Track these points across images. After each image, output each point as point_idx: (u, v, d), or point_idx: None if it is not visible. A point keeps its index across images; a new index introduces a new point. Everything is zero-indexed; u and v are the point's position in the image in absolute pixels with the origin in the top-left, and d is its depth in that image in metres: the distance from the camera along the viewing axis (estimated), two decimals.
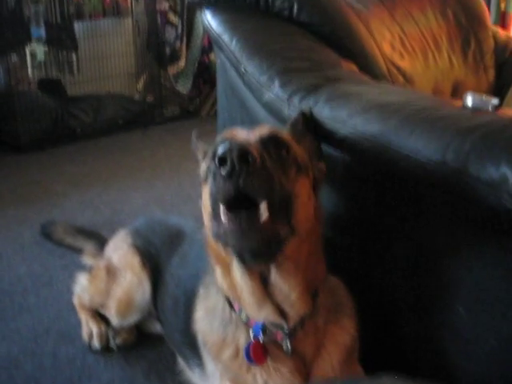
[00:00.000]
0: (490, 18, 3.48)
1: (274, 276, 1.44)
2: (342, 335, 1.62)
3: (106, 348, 2.35)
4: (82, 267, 2.78)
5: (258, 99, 1.96)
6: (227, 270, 1.49)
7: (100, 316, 2.43)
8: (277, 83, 1.88)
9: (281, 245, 1.35)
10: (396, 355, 1.78)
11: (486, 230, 1.48)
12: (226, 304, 1.59)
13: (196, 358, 1.90)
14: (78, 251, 2.96)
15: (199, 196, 1.61)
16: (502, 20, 5.05)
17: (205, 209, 1.45)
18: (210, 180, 1.36)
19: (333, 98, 1.72)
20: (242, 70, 2.01)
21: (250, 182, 1.25)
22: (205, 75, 6.11)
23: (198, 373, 1.94)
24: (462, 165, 1.39)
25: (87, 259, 2.82)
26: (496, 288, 1.49)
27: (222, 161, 1.24)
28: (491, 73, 3.15)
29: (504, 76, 3.21)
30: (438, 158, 1.43)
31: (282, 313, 1.49)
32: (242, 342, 1.56)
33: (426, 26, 2.82)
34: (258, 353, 1.53)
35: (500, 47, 3.29)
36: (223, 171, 1.24)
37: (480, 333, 1.55)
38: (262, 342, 1.52)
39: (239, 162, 1.23)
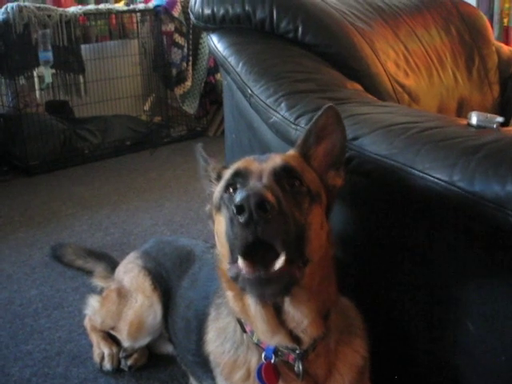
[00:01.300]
0: (493, 33, 3.50)
1: (288, 305, 1.45)
2: (354, 356, 1.62)
3: (117, 369, 2.36)
4: (93, 289, 2.80)
5: (265, 121, 1.98)
6: (239, 296, 1.49)
7: (111, 337, 2.44)
8: (283, 105, 1.90)
9: (296, 283, 1.36)
10: (407, 373, 1.78)
11: (493, 248, 1.48)
12: (238, 326, 1.60)
13: (209, 379, 1.90)
14: (89, 273, 2.98)
15: (207, 216, 1.64)
16: (505, 35, 5.07)
17: (218, 237, 1.47)
18: (224, 210, 1.42)
19: None
20: (249, 92, 2.03)
21: (267, 230, 1.26)
22: (211, 95, 6.16)
23: None
24: (469, 184, 1.40)
25: (97, 281, 2.84)
26: (505, 305, 1.49)
27: (240, 209, 1.24)
28: (496, 88, 3.17)
29: (509, 91, 3.23)
30: (445, 178, 1.44)
31: (294, 337, 1.49)
32: (254, 363, 1.57)
33: (429, 43, 2.84)
34: (270, 374, 1.53)
35: (504, 62, 3.31)
36: (241, 219, 1.25)
37: (490, 350, 1.55)
38: (273, 363, 1.53)
39: (257, 210, 1.24)
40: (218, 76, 6.03)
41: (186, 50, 5.77)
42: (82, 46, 5.41)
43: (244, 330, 1.58)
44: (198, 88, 5.98)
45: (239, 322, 1.58)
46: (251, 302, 1.44)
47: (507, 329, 1.50)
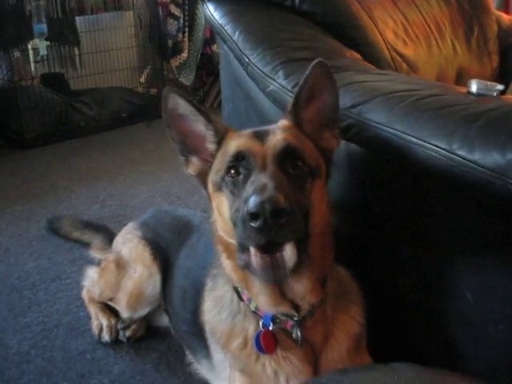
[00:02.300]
0: (493, 2, 3.46)
1: (291, 279, 1.45)
2: (351, 323, 1.63)
3: (115, 341, 2.37)
4: (90, 261, 2.80)
5: (262, 90, 1.96)
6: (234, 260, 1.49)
7: (109, 309, 2.44)
8: (281, 74, 1.88)
9: (303, 264, 1.39)
10: (404, 343, 1.79)
11: (493, 217, 1.48)
12: (234, 294, 1.60)
13: (203, 350, 1.91)
14: (86, 245, 2.98)
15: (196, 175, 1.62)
16: (505, 4, 5.01)
17: (220, 214, 1.48)
18: (226, 192, 1.44)
19: (339, 87, 1.70)
20: (246, 61, 2.01)
21: (280, 233, 1.29)
22: (208, 67, 6.10)
23: (206, 365, 1.95)
24: (468, 152, 1.39)
25: (95, 253, 2.84)
26: (503, 273, 1.50)
27: (255, 216, 1.26)
28: (495, 58, 3.14)
29: (508, 61, 3.20)
30: (444, 146, 1.43)
31: (293, 305, 1.50)
32: (251, 331, 1.57)
33: (428, 12, 2.81)
34: (268, 342, 1.53)
35: (504, 32, 3.27)
36: (255, 224, 1.27)
37: (488, 319, 1.55)
38: (271, 330, 1.53)
39: (272, 218, 1.26)
40: (215, 47, 5.97)
41: (181, 20, 5.71)
42: (77, 18, 5.36)
43: (241, 299, 1.58)
44: (194, 59, 5.92)
45: (236, 290, 1.59)
46: (255, 279, 1.45)
47: (505, 298, 1.50)
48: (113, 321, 2.40)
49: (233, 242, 1.45)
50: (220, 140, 1.57)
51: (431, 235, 1.63)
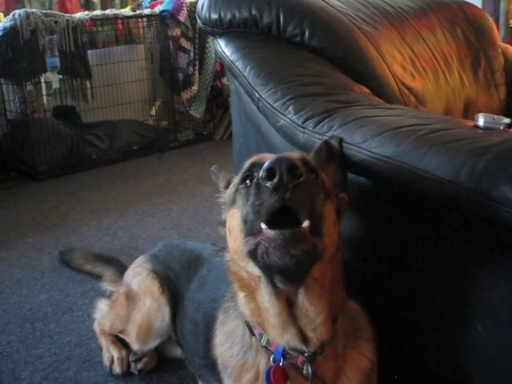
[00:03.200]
0: (499, 35, 3.50)
1: (301, 299, 1.45)
2: (361, 360, 1.62)
3: (127, 373, 2.37)
4: (102, 293, 2.81)
5: (273, 124, 1.99)
6: (252, 295, 1.50)
7: (120, 341, 2.45)
8: (291, 109, 1.91)
9: (318, 257, 1.36)
10: (416, 377, 1.79)
11: (501, 249, 1.49)
12: (246, 329, 1.60)
13: (217, 382, 1.92)
14: (97, 277, 3.00)
15: (217, 222, 1.66)
16: (511, 36, 5.06)
17: (231, 232, 1.48)
18: (240, 201, 1.42)
19: (347, 123, 1.75)
20: (257, 96, 2.04)
21: (295, 196, 1.27)
22: (218, 99, 6.17)
23: None
24: (476, 185, 1.41)
25: (106, 285, 2.84)
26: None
27: (271, 172, 1.26)
28: (502, 90, 3.17)
29: None
30: (452, 179, 1.44)
31: (303, 338, 1.49)
32: (263, 366, 1.57)
33: (435, 45, 2.84)
34: (279, 377, 1.53)
35: (510, 64, 3.31)
36: (270, 184, 1.26)
37: (498, 349, 1.55)
38: (282, 366, 1.53)
39: (288, 174, 1.25)
40: (225, 80, 6.04)
41: (192, 54, 5.78)
42: (89, 52, 5.44)
43: (252, 334, 1.58)
44: (204, 92, 5.99)
45: (248, 325, 1.59)
46: (265, 294, 1.44)
47: None
48: (124, 353, 2.40)
49: (242, 264, 1.45)
50: (228, 181, 1.67)
51: (442, 268, 1.63)
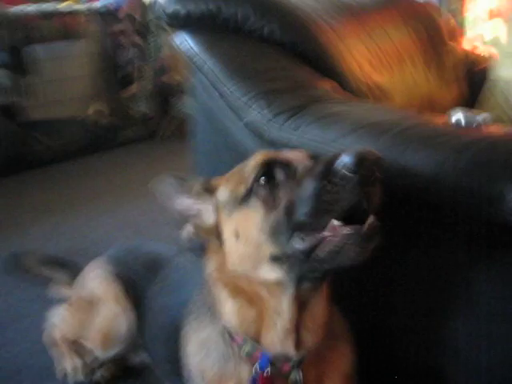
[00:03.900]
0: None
1: (314, 300, 1.44)
2: (342, 362, 1.59)
3: (90, 381, 2.29)
4: (53, 298, 2.71)
5: (239, 120, 1.93)
6: (253, 304, 1.44)
7: (82, 347, 2.35)
8: (260, 103, 1.86)
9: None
10: (393, 376, 1.76)
11: (483, 246, 1.48)
12: (224, 336, 1.54)
13: None
14: (51, 281, 2.88)
15: (192, 234, 1.55)
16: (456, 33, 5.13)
17: (243, 236, 1.39)
18: (259, 201, 1.35)
19: (320, 119, 1.71)
20: (222, 90, 1.98)
21: (374, 191, 1.24)
22: (160, 97, 6.08)
23: None
24: (458, 182, 1.39)
25: (62, 289, 2.74)
26: (494, 302, 1.50)
27: (359, 163, 1.19)
28: (454, 87, 3.19)
29: (472, 89, 3.25)
30: (433, 176, 1.42)
31: (298, 342, 1.46)
32: (245, 375, 1.51)
33: (400, 40, 2.83)
34: None
35: (460, 62, 3.33)
36: (354, 177, 1.19)
37: (479, 349, 1.54)
38: (268, 374, 1.48)
39: (373, 170, 1.21)
40: (167, 77, 5.98)
41: (133, 51, 5.67)
42: (29, 47, 5.26)
43: (233, 341, 1.52)
44: (146, 89, 5.90)
45: (228, 332, 1.53)
46: (284, 298, 1.40)
47: (497, 326, 1.50)
48: (85, 360, 2.31)
49: (254, 272, 1.39)
50: (205, 188, 1.54)
51: (421, 266, 1.61)
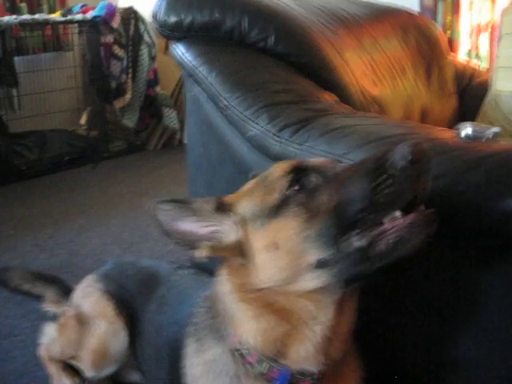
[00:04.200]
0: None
1: (349, 304, 1.40)
2: (352, 377, 1.54)
3: None
4: (44, 315, 2.61)
5: (242, 134, 1.88)
6: (280, 318, 1.38)
7: (71, 368, 2.28)
8: (264, 117, 1.81)
9: None
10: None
11: (495, 262, 1.45)
12: (235, 357, 1.47)
13: None
14: (38, 298, 2.79)
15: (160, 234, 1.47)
16: (449, 47, 5.13)
17: (283, 247, 1.32)
18: (296, 207, 1.29)
19: (327, 132, 1.66)
20: (224, 103, 1.93)
21: (427, 182, 1.25)
22: (151, 109, 6.01)
23: None
24: (475, 197, 1.35)
25: (49, 306, 2.65)
26: (505, 318, 1.46)
27: (419, 154, 1.20)
28: (454, 99, 3.17)
29: (466, 102, 3.24)
30: (445, 193, 1.38)
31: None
32: None
33: (392, 53, 2.80)
34: None
35: (459, 74, 3.32)
36: (412, 168, 1.20)
37: (489, 365, 1.51)
38: None
39: (428, 160, 1.23)
40: (158, 89, 5.94)
41: (125, 61, 5.61)
42: (16, 58, 5.18)
43: (247, 362, 1.45)
44: (137, 101, 5.82)
45: (239, 353, 1.46)
46: (328, 303, 1.35)
47: (508, 342, 1.46)
48: (77, 380, 2.24)
49: (291, 282, 1.33)
50: (217, 206, 1.44)
51: (430, 283, 1.57)
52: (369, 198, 1.22)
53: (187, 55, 2.13)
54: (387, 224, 1.24)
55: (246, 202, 1.41)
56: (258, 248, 1.37)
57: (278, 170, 1.37)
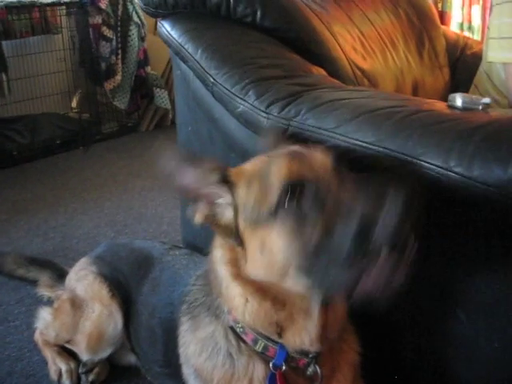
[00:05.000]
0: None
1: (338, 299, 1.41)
2: (350, 353, 1.55)
3: None
4: (39, 300, 2.64)
5: (231, 110, 1.84)
6: (275, 304, 1.37)
7: (67, 351, 2.27)
8: (251, 93, 1.77)
9: None
10: (395, 366, 1.71)
11: (490, 235, 1.43)
12: (230, 335, 1.47)
13: None
14: (32, 283, 2.78)
15: (191, 214, 1.44)
16: (440, 20, 5.09)
17: (270, 250, 1.30)
18: (292, 220, 1.25)
19: (316, 106, 1.63)
20: (211, 80, 1.89)
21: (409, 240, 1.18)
22: (142, 89, 5.96)
23: None
24: (467, 169, 1.32)
25: (43, 291, 2.66)
26: (497, 292, 1.46)
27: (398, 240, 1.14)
28: (446, 72, 3.13)
29: (458, 74, 3.21)
30: (441, 163, 1.36)
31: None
32: (258, 374, 1.45)
33: (381, 26, 2.77)
34: (284, 383, 1.42)
35: (451, 46, 3.29)
36: (386, 249, 1.14)
37: (482, 337, 1.50)
38: (284, 370, 1.43)
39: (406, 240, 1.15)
40: (148, 69, 5.89)
41: (114, 42, 5.54)
42: (4, 43, 5.12)
43: (242, 340, 1.46)
44: (128, 82, 5.77)
45: (233, 330, 1.46)
46: (313, 305, 1.34)
47: (501, 314, 1.46)
48: (72, 364, 2.22)
49: (276, 281, 1.33)
50: (223, 178, 1.39)
51: (426, 257, 1.54)
52: (348, 251, 1.18)
53: (173, 33, 2.09)
54: (369, 263, 1.18)
55: (242, 192, 1.37)
56: (248, 243, 1.36)
57: (278, 174, 1.30)
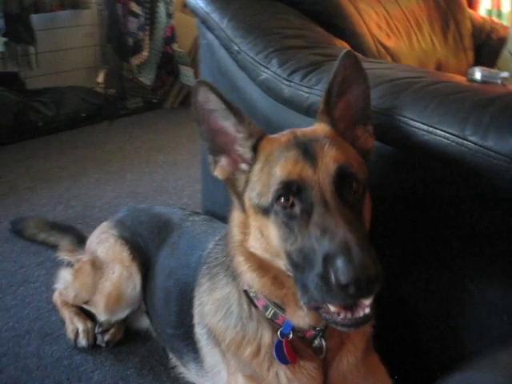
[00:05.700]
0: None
1: None
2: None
3: (93, 346, 2.24)
4: (59, 263, 2.69)
5: (254, 78, 1.88)
6: (275, 281, 1.41)
7: (84, 312, 2.33)
8: (275, 62, 1.81)
9: None
10: (405, 336, 1.75)
11: (501, 207, 1.44)
12: (243, 298, 1.52)
13: (191, 353, 1.82)
14: (53, 247, 2.84)
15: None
16: (468, 5, 5.06)
17: (265, 238, 1.35)
18: (279, 223, 1.30)
19: None
20: (236, 49, 1.93)
21: (368, 295, 1.21)
22: (168, 66, 5.97)
23: (194, 368, 1.86)
24: (482, 138, 1.35)
25: (64, 255, 2.72)
26: (506, 264, 1.47)
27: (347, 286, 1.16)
28: (470, 54, 3.14)
29: (482, 58, 3.20)
30: (456, 132, 1.38)
31: None
32: (266, 339, 1.50)
33: (407, 7, 2.78)
34: (291, 351, 1.46)
35: (477, 30, 3.28)
36: (346, 292, 1.16)
37: (492, 310, 1.52)
38: (291, 339, 1.47)
39: (366, 287, 1.16)
40: (175, 46, 5.88)
41: (142, 19, 5.58)
42: (33, 16, 5.16)
43: (254, 305, 1.50)
44: (154, 58, 5.79)
45: (246, 295, 1.50)
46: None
47: (508, 287, 1.47)
48: (89, 325, 2.28)
49: (274, 262, 1.36)
50: (254, 145, 1.40)
51: (438, 229, 1.57)
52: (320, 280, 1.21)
53: (200, 1, 2.12)
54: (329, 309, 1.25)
55: (257, 170, 1.39)
56: (251, 219, 1.40)
57: (278, 171, 1.32)
